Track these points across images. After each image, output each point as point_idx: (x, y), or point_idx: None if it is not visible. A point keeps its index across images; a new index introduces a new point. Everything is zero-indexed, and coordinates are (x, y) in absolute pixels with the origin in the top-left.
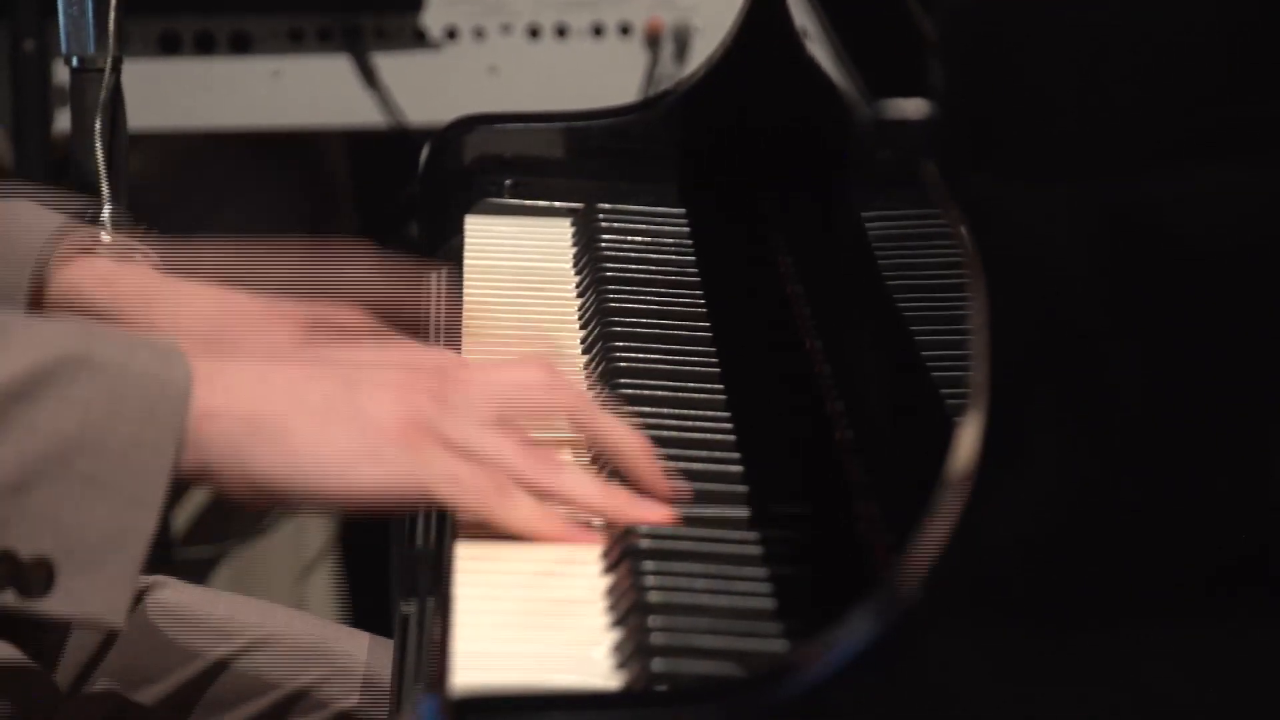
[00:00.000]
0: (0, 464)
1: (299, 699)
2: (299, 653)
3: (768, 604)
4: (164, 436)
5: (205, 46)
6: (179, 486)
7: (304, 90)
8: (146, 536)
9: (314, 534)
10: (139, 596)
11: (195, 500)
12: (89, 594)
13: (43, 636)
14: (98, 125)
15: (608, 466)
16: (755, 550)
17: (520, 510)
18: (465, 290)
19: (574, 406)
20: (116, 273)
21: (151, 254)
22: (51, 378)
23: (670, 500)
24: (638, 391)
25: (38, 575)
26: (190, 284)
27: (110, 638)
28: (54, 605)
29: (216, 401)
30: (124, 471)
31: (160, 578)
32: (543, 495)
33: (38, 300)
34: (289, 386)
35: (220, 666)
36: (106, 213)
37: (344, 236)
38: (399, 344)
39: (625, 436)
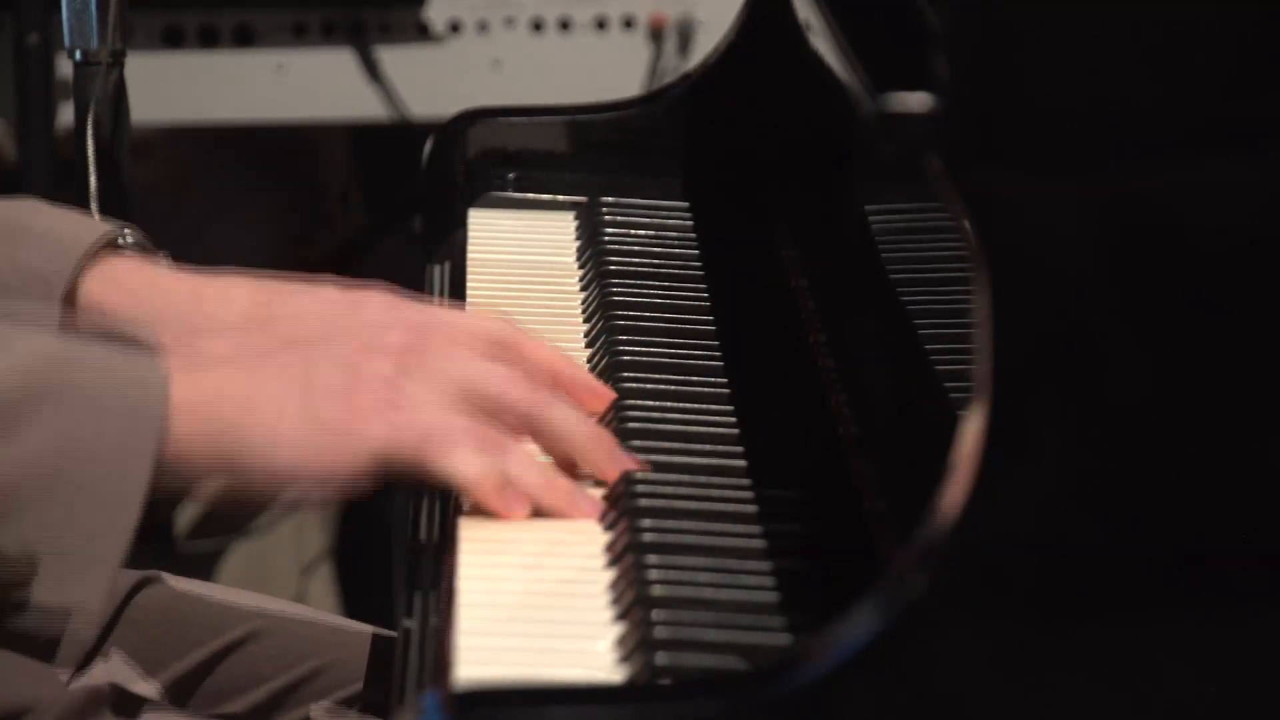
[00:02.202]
0: None
1: (297, 689)
2: (297, 644)
3: (771, 598)
4: (144, 445)
5: (209, 40)
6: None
7: (307, 84)
8: (128, 532)
9: (317, 530)
10: (136, 589)
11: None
12: (69, 585)
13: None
14: (90, 119)
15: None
16: (759, 544)
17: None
18: (469, 284)
19: (529, 403)
20: (153, 270)
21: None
22: (34, 402)
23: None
24: (641, 385)
25: (21, 567)
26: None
27: (109, 630)
28: (37, 594)
29: (190, 408)
30: (107, 480)
31: (157, 572)
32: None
33: (71, 292)
34: (253, 381)
35: (218, 657)
36: (94, 209)
37: (348, 232)
38: (379, 301)
39: (576, 428)
